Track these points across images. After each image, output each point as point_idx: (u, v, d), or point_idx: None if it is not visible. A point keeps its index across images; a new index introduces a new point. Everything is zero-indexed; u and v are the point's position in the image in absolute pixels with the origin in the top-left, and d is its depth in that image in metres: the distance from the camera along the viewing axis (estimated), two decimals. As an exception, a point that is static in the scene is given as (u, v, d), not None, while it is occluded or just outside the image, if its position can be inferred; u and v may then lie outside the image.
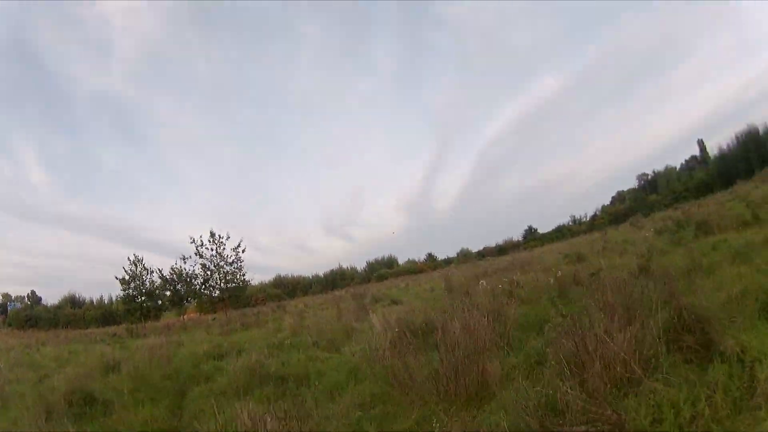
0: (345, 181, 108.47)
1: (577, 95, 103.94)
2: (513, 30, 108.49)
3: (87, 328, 40.12)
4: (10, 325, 47.99)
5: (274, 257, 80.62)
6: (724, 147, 51.62)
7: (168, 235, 79.87)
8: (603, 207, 64.27)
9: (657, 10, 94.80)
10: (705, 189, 45.46)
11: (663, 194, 56.78)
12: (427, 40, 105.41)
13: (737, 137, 49.68)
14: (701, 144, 63.00)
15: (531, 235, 63.29)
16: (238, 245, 28.75)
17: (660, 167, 66.80)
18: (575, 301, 6.11)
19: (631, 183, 68.99)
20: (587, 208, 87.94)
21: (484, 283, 7.86)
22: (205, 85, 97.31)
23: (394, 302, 13.10)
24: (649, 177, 66.89)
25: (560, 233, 58.68)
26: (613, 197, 67.86)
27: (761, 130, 47.35)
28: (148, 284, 30.08)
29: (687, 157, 65.41)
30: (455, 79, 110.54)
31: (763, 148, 45.43)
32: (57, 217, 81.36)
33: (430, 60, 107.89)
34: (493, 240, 65.21)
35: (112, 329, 30.26)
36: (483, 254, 55.62)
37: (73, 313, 50.97)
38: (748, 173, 39.97)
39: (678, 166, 65.48)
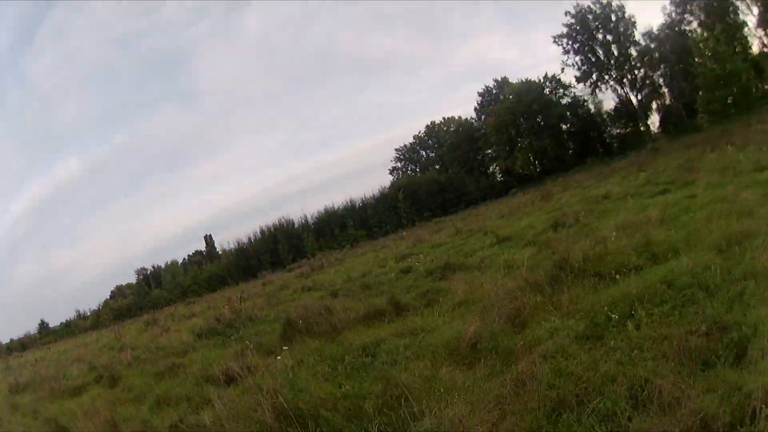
0: None
1: (98, 181, 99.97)
2: (64, 100, 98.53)
3: None
4: None
5: None
6: (244, 240, 54.20)
7: None
8: (105, 302, 60.87)
9: (194, 108, 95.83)
10: (218, 282, 47.51)
11: (168, 289, 56.07)
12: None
13: (263, 230, 53.16)
14: (209, 239, 64.07)
15: (45, 329, 57.63)
16: None
17: (164, 261, 66.18)
18: None
19: (131, 277, 67.01)
20: (91, 301, 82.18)
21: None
22: None
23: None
24: (149, 272, 65.94)
25: (70, 329, 53.85)
26: (112, 291, 65.46)
27: (296, 223, 52.14)
28: None
29: (191, 252, 66.14)
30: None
31: (295, 238, 50.27)
32: None
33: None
34: (16, 332, 56.40)
35: None
36: (11, 348, 48.33)
37: None
38: (275, 264, 44.38)
39: (181, 261, 65.73)
